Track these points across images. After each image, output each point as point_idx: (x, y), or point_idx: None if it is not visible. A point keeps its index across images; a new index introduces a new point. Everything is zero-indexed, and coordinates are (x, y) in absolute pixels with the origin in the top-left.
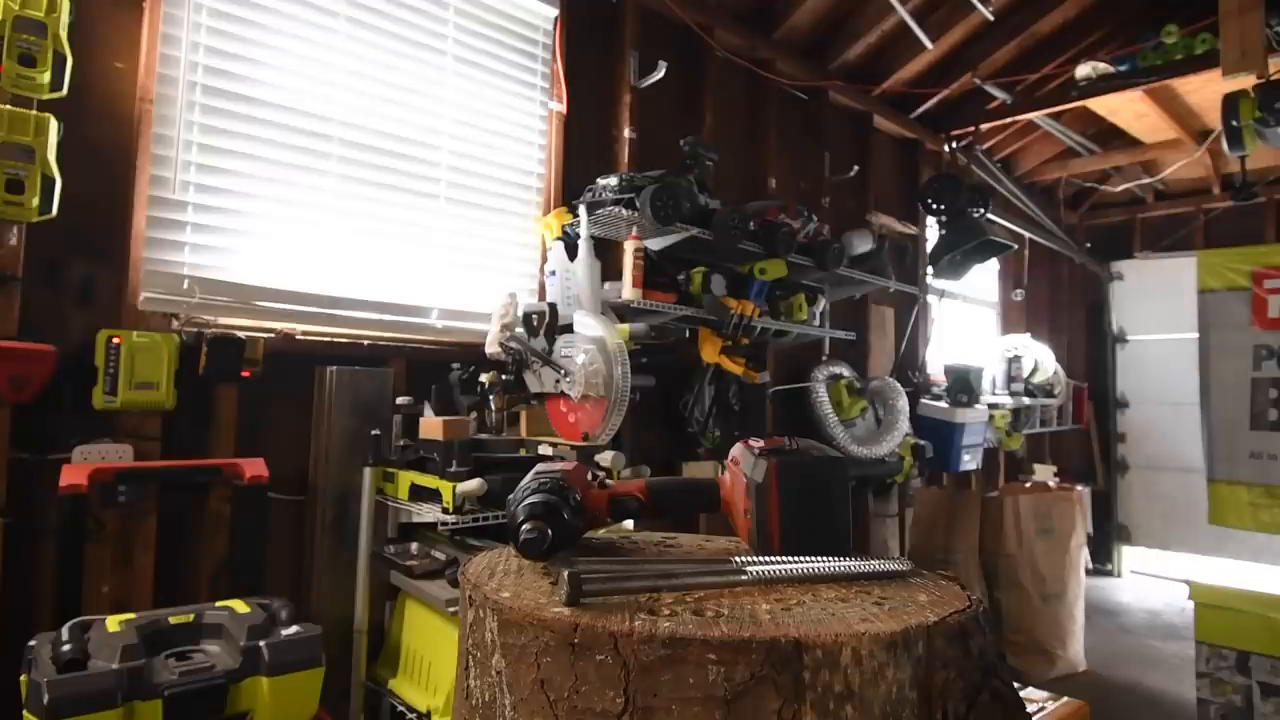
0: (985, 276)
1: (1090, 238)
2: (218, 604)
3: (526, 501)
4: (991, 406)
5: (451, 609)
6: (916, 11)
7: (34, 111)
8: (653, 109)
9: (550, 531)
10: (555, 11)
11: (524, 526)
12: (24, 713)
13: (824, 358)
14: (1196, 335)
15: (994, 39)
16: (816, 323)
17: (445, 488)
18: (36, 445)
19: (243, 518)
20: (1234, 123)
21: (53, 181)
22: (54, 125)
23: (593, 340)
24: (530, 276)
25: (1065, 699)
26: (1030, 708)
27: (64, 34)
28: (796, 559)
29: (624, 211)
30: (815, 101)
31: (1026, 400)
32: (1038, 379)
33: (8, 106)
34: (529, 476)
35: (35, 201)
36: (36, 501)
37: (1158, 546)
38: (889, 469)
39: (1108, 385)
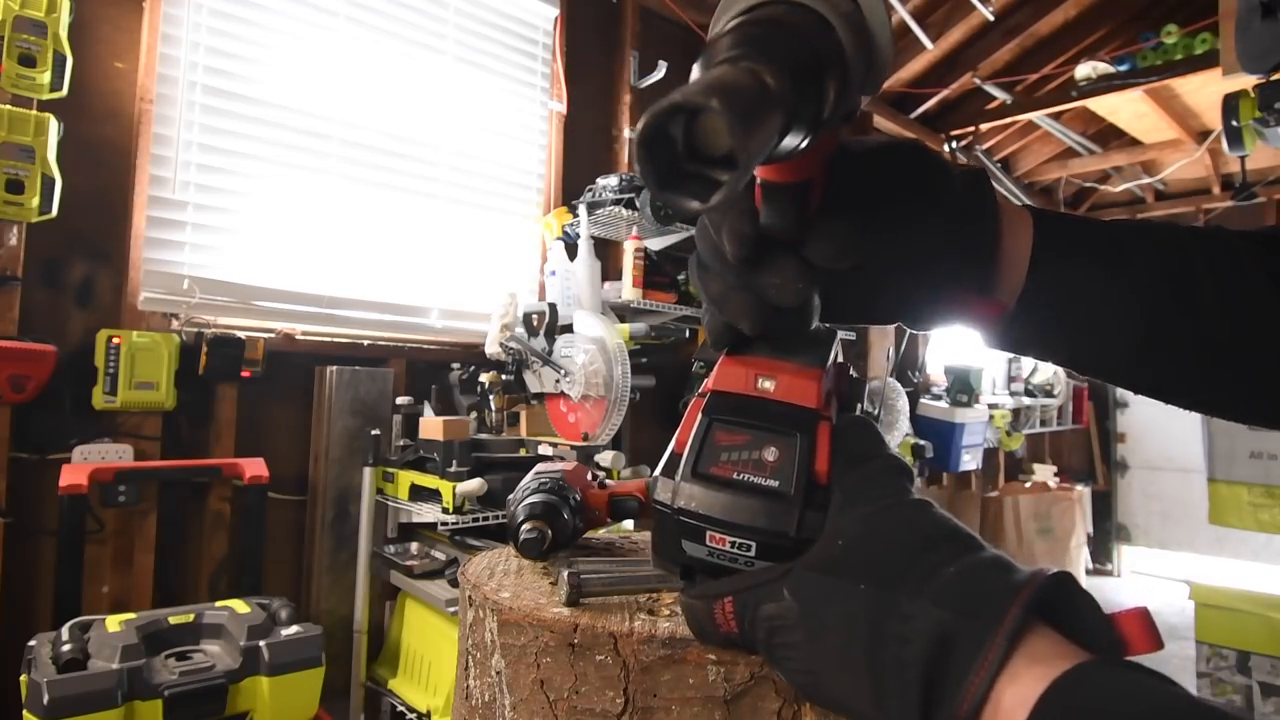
0: None
1: None
2: (218, 604)
3: (526, 501)
4: (991, 406)
5: (451, 609)
6: (916, 11)
7: (34, 111)
8: None
9: (550, 531)
10: (555, 11)
11: (523, 526)
12: (24, 713)
13: None
14: None
15: (994, 39)
16: None
17: (445, 488)
18: (36, 445)
19: (243, 518)
20: (1234, 123)
21: (53, 181)
22: (54, 125)
23: (593, 340)
24: (530, 276)
25: None
26: None
27: (64, 34)
28: None
29: (624, 211)
30: None
31: (1026, 400)
32: (1037, 379)
33: (8, 106)
34: (529, 476)
35: (35, 201)
36: (36, 501)
37: (1157, 546)
38: None
39: (1107, 385)
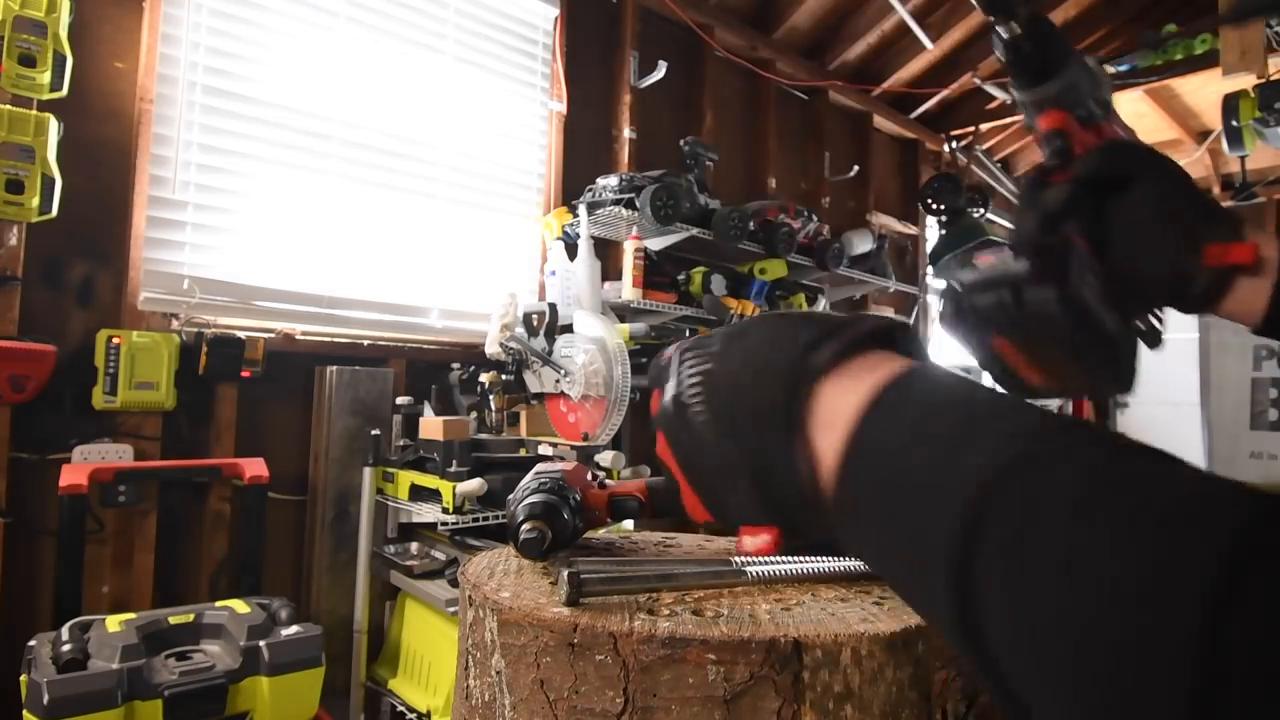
0: None
1: None
2: (218, 604)
3: (526, 501)
4: None
5: (451, 609)
6: (916, 11)
7: (34, 111)
8: (653, 109)
9: (550, 531)
10: (555, 11)
11: (523, 526)
12: (24, 713)
13: None
14: (1196, 335)
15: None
16: None
17: (445, 488)
18: (36, 445)
19: (243, 518)
20: (1234, 123)
21: (53, 181)
22: (54, 125)
23: (593, 340)
24: (530, 276)
25: None
26: None
27: (64, 34)
28: (796, 559)
29: (624, 211)
30: (815, 101)
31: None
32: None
33: (8, 106)
34: (529, 476)
35: (35, 201)
36: (36, 501)
37: None
38: None
39: None
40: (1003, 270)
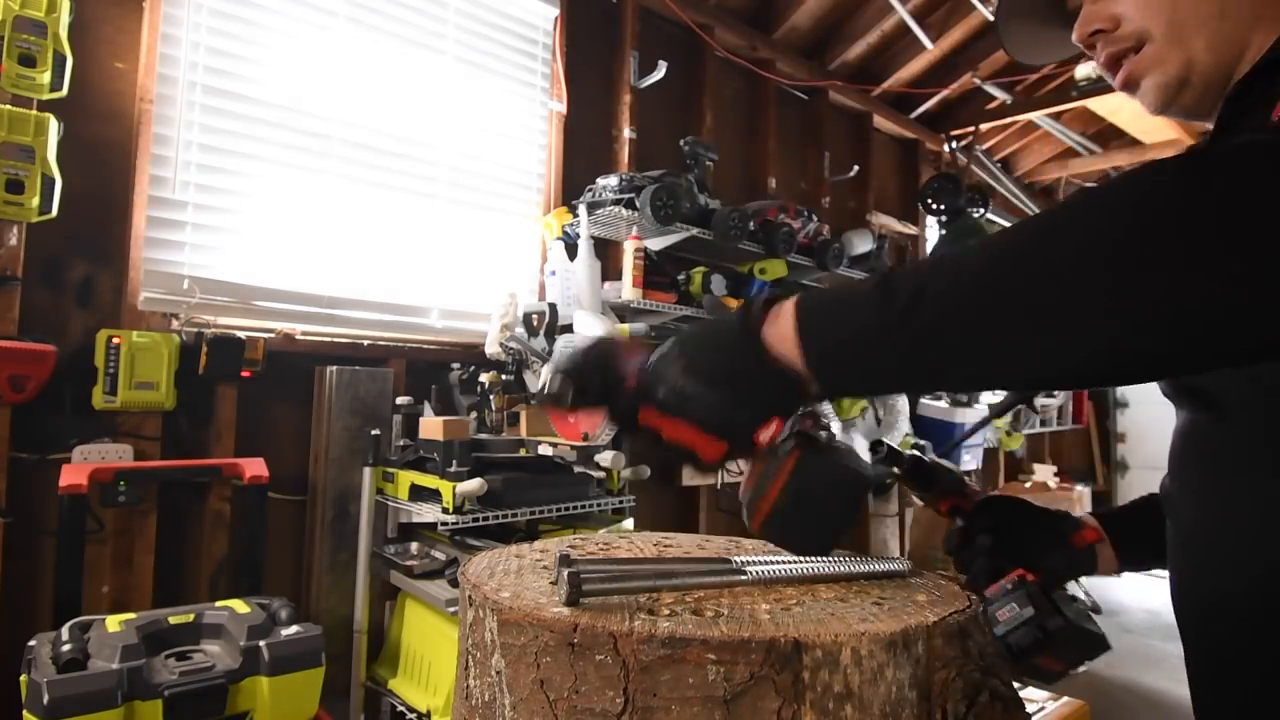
0: None
1: None
2: (218, 604)
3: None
4: (991, 406)
5: (451, 609)
6: (916, 11)
7: (34, 111)
8: (653, 109)
9: (576, 387)
10: (555, 11)
11: (556, 379)
12: (24, 713)
13: None
14: None
15: (994, 39)
16: None
17: (445, 488)
18: (36, 445)
19: (243, 518)
20: None
21: (53, 181)
22: (54, 125)
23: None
24: (530, 276)
25: (1065, 699)
26: (1030, 708)
27: (64, 34)
28: (796, 559)
29: (624, 211)
30: (815, 101)
31: None
32: None
33: (8, 106)
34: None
35: (35, 201)
36: (36, 501)
37: None
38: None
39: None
40: (1021, 616)
